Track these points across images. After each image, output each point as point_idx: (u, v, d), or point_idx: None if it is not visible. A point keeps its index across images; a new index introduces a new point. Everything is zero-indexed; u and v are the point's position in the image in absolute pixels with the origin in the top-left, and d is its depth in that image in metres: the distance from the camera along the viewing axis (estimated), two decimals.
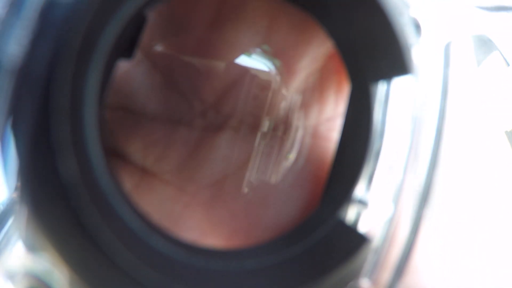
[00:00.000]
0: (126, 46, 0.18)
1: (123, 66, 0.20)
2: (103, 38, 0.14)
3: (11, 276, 0.14)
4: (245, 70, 0.21)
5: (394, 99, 0.18)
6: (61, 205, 0.13)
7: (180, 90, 0.21)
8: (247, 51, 0.21)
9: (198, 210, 0.21)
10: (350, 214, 0.18)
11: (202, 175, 0.21)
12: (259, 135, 0.21)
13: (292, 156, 0.21)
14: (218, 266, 0.16)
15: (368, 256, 0.17)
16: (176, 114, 0.21)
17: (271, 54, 0.21)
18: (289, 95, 0.21)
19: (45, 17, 0.13)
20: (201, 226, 0.20)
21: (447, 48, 0.18)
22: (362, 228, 0.18)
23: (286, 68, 0.21)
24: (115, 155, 0.20)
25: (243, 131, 0.21)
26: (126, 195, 0.16)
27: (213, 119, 0.21)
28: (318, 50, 0.20)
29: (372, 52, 0.18)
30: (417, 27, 0.17)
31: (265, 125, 0.22)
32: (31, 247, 0.14)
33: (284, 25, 0.20)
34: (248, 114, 0.21)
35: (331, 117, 0.21)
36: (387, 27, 0.16)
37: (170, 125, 0.21)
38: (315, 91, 0.21)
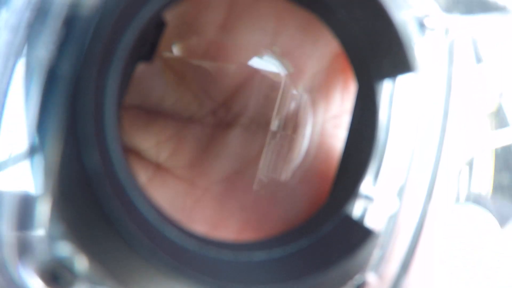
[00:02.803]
0: (146, 50, 0.19)
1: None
2: (122, 42, 0.15)
3: (34, 264, 0.14)
4: (255, 71, 0.22)
5: (399, 96, 0.19)
6: (85, 195, 0.14)
7: (191, 89, 0.22)
8: (258, 53, 0.22)
9: (209, 204, 0.21)
10: (357, 209, 0.19)
11: (213, 171, 0.21)
12: (269, 133, 0.22)
13: (300, 154, 0.22)
14: (229, 257, 0.17)
15: (374, 250, 0.18)
16: (188, 112, 0.21)
17: (280, 54, 0.21)
18: (299, 94, 0.22)
19: (69, 25, 0.14)
20: (212, 220, 0.21)
21: (451, 46, 0.18)
22: (368, 223, 0.18)
23: (294, 67, 0.21)
24: (129, 150, 0.21)
25: (254, 129, 0.22)
26: (141, 188, 0.17)
27: (223, 117, 0.22)
28: (324, 50, 0.21)
29: (376, 51, 0.18)
30: (421, 25, 0.18)
31: (275, 124, 0.22)
32: (54, 236, 0.14)
33: (290, 26, 0.21)
34: (259, 113, 0.22)
35: (337, 115, 0.21)
36: (390, 26, 0.17)
37: (182, 122, 0.21)
38: (321, 90, 0.21)
